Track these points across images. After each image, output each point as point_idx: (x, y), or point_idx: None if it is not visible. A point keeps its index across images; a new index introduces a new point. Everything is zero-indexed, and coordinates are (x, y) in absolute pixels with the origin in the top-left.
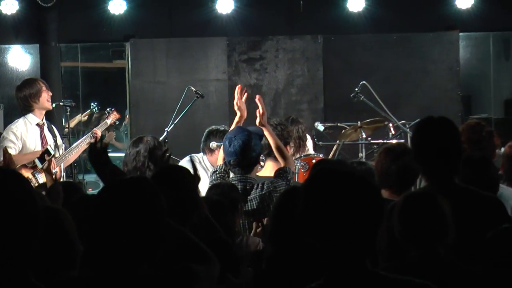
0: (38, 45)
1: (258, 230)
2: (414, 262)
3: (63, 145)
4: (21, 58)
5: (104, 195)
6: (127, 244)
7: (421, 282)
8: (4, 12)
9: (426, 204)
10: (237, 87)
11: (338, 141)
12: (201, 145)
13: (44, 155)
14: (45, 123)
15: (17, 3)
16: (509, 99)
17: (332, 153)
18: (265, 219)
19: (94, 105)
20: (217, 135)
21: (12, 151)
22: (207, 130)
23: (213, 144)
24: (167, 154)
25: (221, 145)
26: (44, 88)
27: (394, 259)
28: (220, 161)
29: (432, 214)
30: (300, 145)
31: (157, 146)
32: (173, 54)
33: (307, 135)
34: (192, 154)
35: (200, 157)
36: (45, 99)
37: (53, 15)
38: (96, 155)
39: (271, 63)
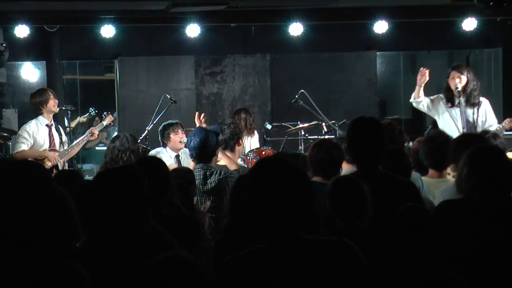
0: (45, 62)
1: (207, 208)
2: (340, 231)
3: (67, 141)
4: (31, 72)
5: (100, 179)
6: (120, 217)
7: (337, 239)
8: (17, 35)
9: (349, 187)
10: (195, 114)
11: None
12: (160, 140)
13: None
14: (53, 124)
15: (27, 28)
16: None
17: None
18: (209, 202)
19: (92, 110)
20: (168, 127)
21: (25, 146)
22: (160, 126)
23: (184, 140)
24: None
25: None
26: (51, 96)
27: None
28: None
29: (354, 195)
30: (251, 129)
31: (131, 141)
32: (152, 69)
33: (255, 131)
34: (157, 149)
35: (164, 150)
36: (52, 105)
37: (56, 38)
38: None
39: (229, 76)
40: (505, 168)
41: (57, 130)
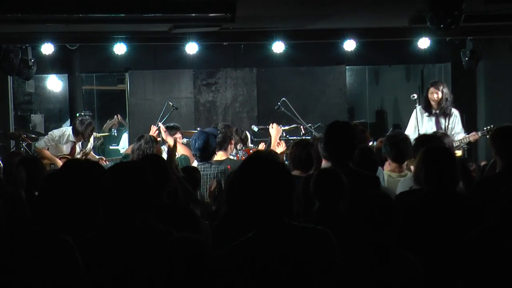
0: (67, 74)
1: (212, 188)
2: (318, 213)
3: (91, 147)
4: (55, 84)
5: (111, 172)
6: (129, 203)
7: (321, 228)
8: (44, 52)
9: (331, 176)
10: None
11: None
12: (161, 141)
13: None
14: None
15: (52, 46)
16: (378, 110)
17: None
18: (214, 185)
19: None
20: (169, 130)
21: (44, 145)
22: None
23: (184, 141)
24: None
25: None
26: (78, 133)
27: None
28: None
29: (334, 182)
30: (243, 138)
31: (153, 141)
32: (157, 80)
33: (243, 132)
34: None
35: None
36: (71, 137)
37: (77, 54)
38: None
39: (222, 86)
40: (448, 164)
41: (82, 144)
